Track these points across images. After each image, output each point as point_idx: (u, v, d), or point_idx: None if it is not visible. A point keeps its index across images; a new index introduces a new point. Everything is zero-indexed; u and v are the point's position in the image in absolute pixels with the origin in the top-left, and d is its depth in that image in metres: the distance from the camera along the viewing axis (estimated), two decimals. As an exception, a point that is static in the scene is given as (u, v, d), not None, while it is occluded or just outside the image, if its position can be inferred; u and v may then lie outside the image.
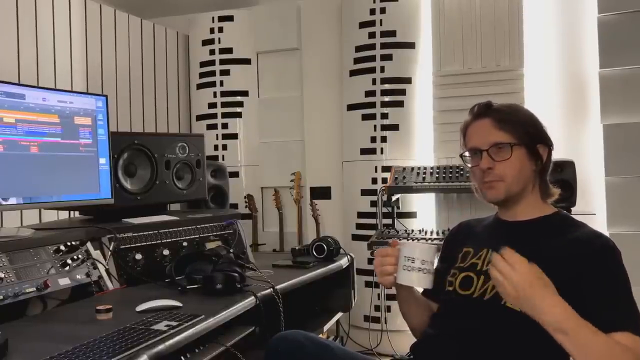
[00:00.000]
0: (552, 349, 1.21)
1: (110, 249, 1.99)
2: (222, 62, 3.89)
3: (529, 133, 1.41)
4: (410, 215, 3.39)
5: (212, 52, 3.90)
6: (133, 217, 2.21)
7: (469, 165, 1.47)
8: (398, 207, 3.29)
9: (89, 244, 1.93)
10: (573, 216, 1.48)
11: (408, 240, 2.85)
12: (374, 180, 3.44)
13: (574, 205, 2.73)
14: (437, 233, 2.93)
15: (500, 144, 1.39)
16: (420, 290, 1.57)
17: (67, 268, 1.79)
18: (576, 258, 1.29)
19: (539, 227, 1.42)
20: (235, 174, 3.80)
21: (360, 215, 3.50)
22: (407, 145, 3.44)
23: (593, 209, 2.99)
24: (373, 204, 3.37)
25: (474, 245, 1.49)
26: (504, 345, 1.28)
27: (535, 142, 1.42)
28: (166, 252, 2.15)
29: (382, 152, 3.44)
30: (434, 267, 1.37)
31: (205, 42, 3.92)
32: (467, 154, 1.48)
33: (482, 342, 1.32)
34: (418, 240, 2.87)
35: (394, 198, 3.16)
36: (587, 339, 1.15)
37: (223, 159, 3.85)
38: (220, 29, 3.89)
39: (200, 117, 3.98)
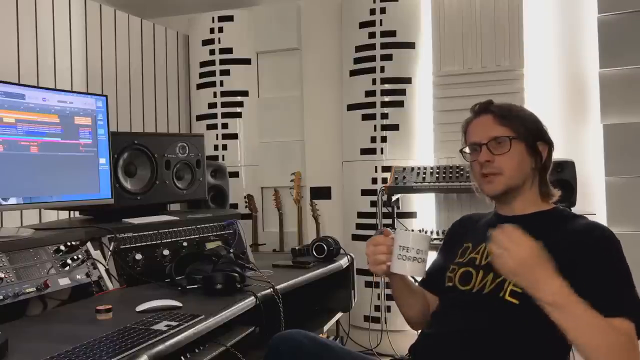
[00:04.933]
0: (551, 342, 1.21)
1: (110, 249, 1.99)
2: (222, 62, 3.89)
3: (528, 129, 1.43)
4: (410, 215, 3.39)
5: (212, 52, 3.90)
6: (133, 217, 2.21)
7: (468, 160, 1.48)
8: (398, 207, 3.29)
9: (89, 244, 1.92)
10: (571, 211, 1.49)
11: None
12: (374, 180, 3.44)
13: (574, 205, 2.73)
14: (437, 233, 2.93)
15: (500, 137, 1.41)
16: (418, 278, 1.57)
17: (67, 268, 1.78)
18: (575, 248, 1.29)
19: (537, 221, 1.42)
20: (235, 174, 3.80)
21: (360, 215, 3.50)
22: (407, 145, 3.44)
23: (593, 209, 2.99)
24: (373, 204, 3.37)
25: (473, 240, 1.50)
26: (503, 339, 1.28)
27: (535, 139, 1.43)
28: (166, 252, 2.15)
29: (382, 152, 3.44)
30: (427, 256, 1.38)
31: (205, 42, 3.92)
32: (467, 149, 1.49)
33: (482, 336, 1.32)
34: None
35: (394, 198, 3.16)
36: (582, 317, 1.15)
37: (223, 159, 3.85)
38: (220, 29, 3.89)
39: (200, 117, 3.98)
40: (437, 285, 1.54)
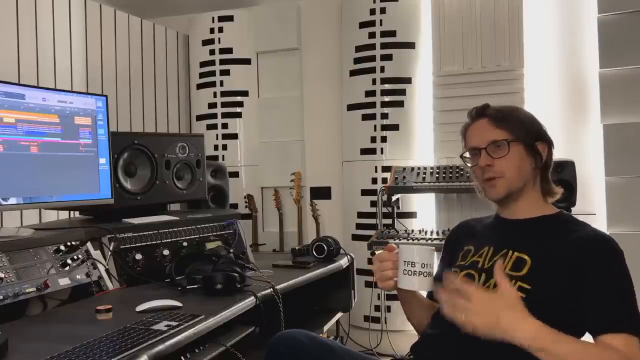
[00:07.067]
0: None
1: (110, 249, 1.99)
2: (222, 62, 3.89)
3: (526, 130, 1.43)
4: (410, 215, 3.39)
5: (212, 52, 3.90)
6: (133, 217, 2.21)
7: (469, 165, 1.48)
8: (398, 207, 3.29)
9: (89, 244, 1.92)
10: (575, 216, 1.48)
11: (405, 242, 2.85)
12: (374, 180, 3.44)
13: (574, 205, 2.73)
14: (437, 233, 2.93)
15: (498, 141, 1.41)
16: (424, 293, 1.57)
17: (67, 268, 1.78)
18: (580, 259, 1.29)
19: (541, 226, 1.42)
20: (235, 174, 3.80)
21: (360, 215, 3.50)
22: (407, 145, 3.44)
23: (593, 209, 2.99)
24: (373, 204, 3.37)
25: (474, 243, 1.49)
26: (505, 344, 1.28)
27: (533, 139, 1.43)
28: (166, 252, 2.15)
29: (382, 152, 3.44)
30: (434, 269, 1.37)
31: (205, 42, 3.92)
32: (467, 154, 1.49)
33: (484, 340, 1.31)
34: (418, 240, 2.86)
35: (394, 198, 3.16)
36: (568, 355, 1.14)
37: (223, 159, 3.85)
38: (220, 29, 3.89)
39: (200, 117, 3.98)
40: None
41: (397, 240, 2.87)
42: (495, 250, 1.42)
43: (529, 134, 1.43)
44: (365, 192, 3.48)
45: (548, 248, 1.35)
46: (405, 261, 1.34)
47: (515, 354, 1.27)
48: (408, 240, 2.89)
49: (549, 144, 1.45)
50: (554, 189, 1.47)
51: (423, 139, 3.44)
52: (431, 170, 3.14)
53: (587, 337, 1.29)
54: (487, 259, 1.42)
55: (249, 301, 1.78)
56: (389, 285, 1.40)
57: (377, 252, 1.46)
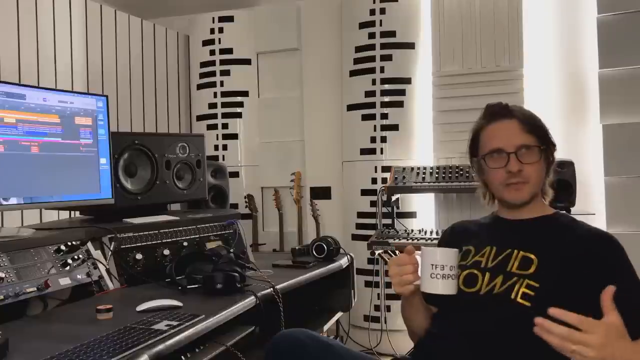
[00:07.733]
0: None
1: (111, 248, 1.99)
2: (223, 62, 3.90)
3: (546, 135, 1.45)
4: (410, 215, 3.40)
5: (212, 52, 3.90)
6: (133, 217, 2.21)
7: (492, 166, 1.45)
8: (398, 207, 3.30)
9: (89, 244, 1.93)
10: (570, 215, 1.50)
11: (405, 242, 2.84)
12: (374, 180, 3.45)
13: (574, 205, 2.73)
14: (437, 233, 2.93)
15: (528, 146, 1.40)
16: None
17: (68, 268, 1.79)
18: (589, 256, 1.30)
19: (542, 226, 1.43)
20: (235, 174, 3.81)
21: (360, 215, 3.50)
22: (407, 145, 3.44)
23: (593, 209, 2.99)
24: (373, 204, 3.37)
25: (474, 244, 1.49)
26: (511, 341, 1.28)
27: (549, 144, 1.45)
28: (166, 252, 2.15)
29: (382, 152, 3.44)
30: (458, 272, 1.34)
31: (206, 43, 3.92)
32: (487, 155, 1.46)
33: (490, 338, 1.31)
34: (417, 240, 2.86)
35: (393, 198, 3.16)
36: None
37: (223, 159, 3.86)
38: (221, 30, 3.90)
39: (200, 117, 3.98)
40: (440, 297, 1.52)
41: (396, 240, 2.86)
42: (498, 250, 1.42)
43: (548, 138, 1.45)
44: (365, 192, 3.49)
45: (553, 247, 1.36)
46: (432, 264, 1.29)
47: (521, 355, 1.28)
48: (408, 240, 2.89)
49: (555, 147, 1.47)
50: (549, 190, 1.49)
51: (423, 139, 3.45)
52: (431, 170, 3.14)
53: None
54: (490, 258, 1.42)
55: (249, 301, 1.78)
56: (408, 289, 1.36)
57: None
